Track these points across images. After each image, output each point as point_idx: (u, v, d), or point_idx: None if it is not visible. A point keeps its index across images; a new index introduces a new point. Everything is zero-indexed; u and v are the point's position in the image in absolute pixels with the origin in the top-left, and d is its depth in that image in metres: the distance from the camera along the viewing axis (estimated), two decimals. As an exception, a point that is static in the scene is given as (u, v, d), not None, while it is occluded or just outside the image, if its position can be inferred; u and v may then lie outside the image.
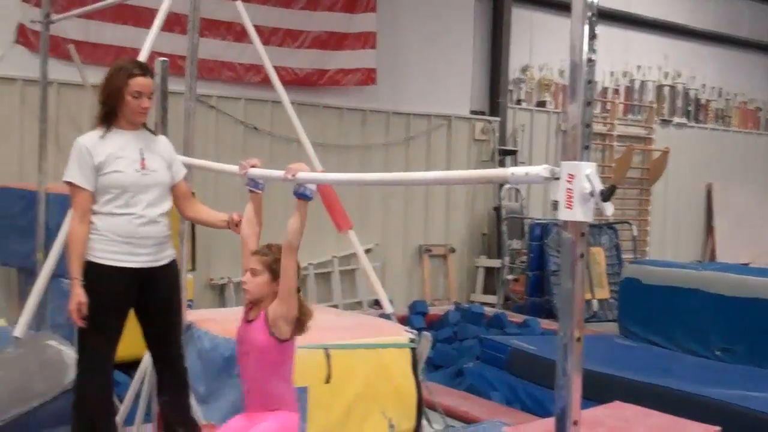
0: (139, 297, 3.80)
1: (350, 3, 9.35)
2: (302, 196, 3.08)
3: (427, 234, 10.43)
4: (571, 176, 1.97)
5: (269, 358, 3.16)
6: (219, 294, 8.69)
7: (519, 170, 2.14)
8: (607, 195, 1.95)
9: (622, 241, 10.78)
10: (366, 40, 9.45)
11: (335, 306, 9.08)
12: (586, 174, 1.95)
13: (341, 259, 9.45)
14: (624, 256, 10.60)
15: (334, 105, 9.49)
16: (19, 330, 4.48)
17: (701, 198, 13.79)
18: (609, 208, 1.98)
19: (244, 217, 3.41)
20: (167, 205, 3.86)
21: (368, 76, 9.54)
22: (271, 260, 3.15)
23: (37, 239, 6.48)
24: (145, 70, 3.79)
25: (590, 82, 2.00)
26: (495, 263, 10.70)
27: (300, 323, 3.18)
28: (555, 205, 2.01)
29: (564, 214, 1.99)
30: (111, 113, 3.76)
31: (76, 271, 3.63)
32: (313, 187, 3.11)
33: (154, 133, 3.98)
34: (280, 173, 3.17)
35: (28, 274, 6.80)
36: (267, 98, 8.49)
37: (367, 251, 9.18)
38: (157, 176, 3.77)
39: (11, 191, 7.09)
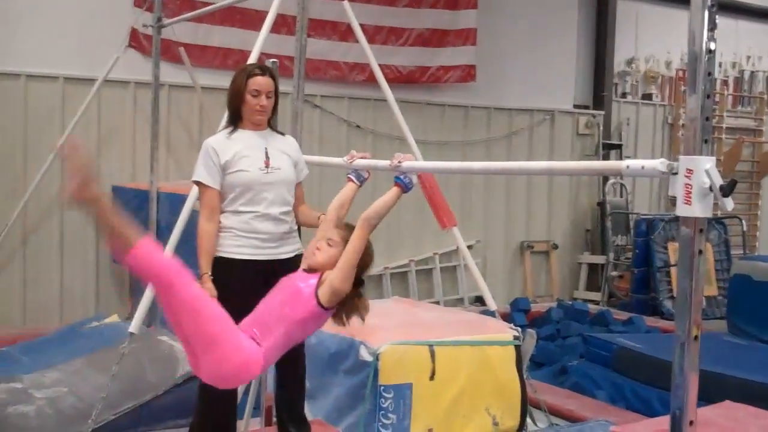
0: (266, 290, 3.91)
1: (453, 0, 9.35)
2: (401, 183, 3.07)
3: (529, 230, 10.34)
4: (690, 171, 1.93)
5: (295, 309, 2.93)
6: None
7: (635, 163, 2.10)
8: (727, 190, 1.91)
9: (731, 236, 10.45)
10: (467, 36, 9.43)
11: (436, 302, 9.10)
12: (706, 169, 1.91)
13: (442, 255, 9.46)
14: (733, 252, 10.28)
15: (436, 102, 9.50)
16: (133, 326, 4.65)
17: (814, 192, 13.25)
18: (729, 204, 1.93)
19: (336, 201, 3.35)
20: (290, 203, 3.95)
21: (468, 73, 9.52)
22: (349, 236, 3.01)
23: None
24: (265, 70, 3.92)
25: (710, 74, 1.95)
26: (599, 260, 10.53)
27: (346, 310, 3.00)
28: (673, 200, 1.97)
29: (682, 210, 1.95)
30: (236, 114, 3.90)
31: (205, 266, 3.76)
32: (414, 179, 3.12)
33: (282, 133, 4.07)
34: (385, 163, 3.20)
35: (141, 272, 7.05)
36: (370, 96, 8.57)
37: (469, 247, 9.16)
38: (281, 174, 3.86)
39: (124, 190, 7.37)
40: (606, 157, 10.77)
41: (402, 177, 3.09)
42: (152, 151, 6.90)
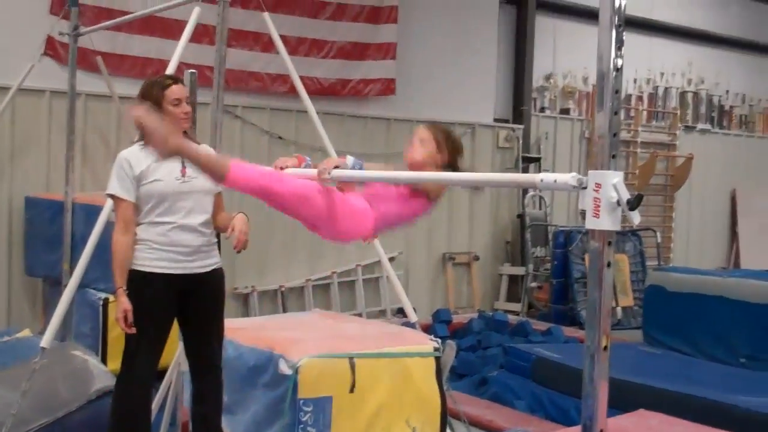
0: (182, 304, 3.86)
1: (374, 13, 9.39)
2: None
3: (451, 242, 10.43)
4: (598, 185, 1.98)
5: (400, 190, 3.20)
6: (243, 303, 8.74)
7: (548, 177, 2.15)
8: (634, 204, 1.96)
9: (646, 248, 10.73)
10: (387, 50, 9.49)
11: (359, 314, 9.10)
12: (613, 183, 1.96)
13: (365, 267, 9.47)
14: (648, 263, 10.55)
15: (357, 114, 9.53)
16: (45, 340, 4.53)
17: (725, 204, 13.70)
18: (636, 218, 1.99)
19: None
20: (209, 212, 3.91)
21: (388, 87, 9.58)
22: (438, 134, 3.32)
23: (63, 249, 6.56)
24: (176, 79, 3.89)
25: (617, 91, 2.01)
26: (519, 271, 10.69)
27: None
28: (583, 214, 2.02)
29: (591, 223, 2.00)
30: None
31: (120, 280, 3.71)
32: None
33: (198, 143, 4.02)
34: (313, 172, 3.11)
35: (54, 284, 6.89)
36: (292, 108, 8.54)
37: (391, 259, 9.20)
38: (197, 182, 3.81)
39: (39, 201, 7.18)
40: (525, 170, 10.97)
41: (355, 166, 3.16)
42: (67, 161, 6.75)
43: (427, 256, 10.25)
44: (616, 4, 2.03)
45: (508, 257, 10.97)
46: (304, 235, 9.22)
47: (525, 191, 10.82)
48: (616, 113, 1.99)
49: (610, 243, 2.03)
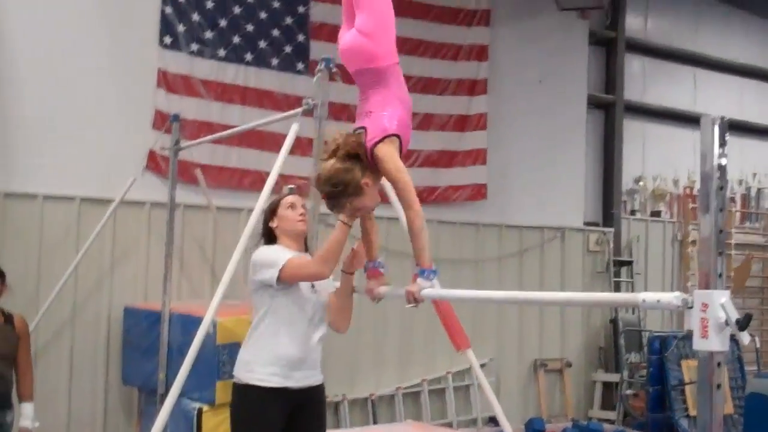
0: (291, 420, 3.87)
1: (462, 121, 9.55)
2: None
3: (542, 348, 10.25)
4: (705, 305, 1.95)
5: None
6: (333, 412, 8.62)
7: (650, 297, 2.12)
8: (743, 324, 1.92)
9: (744, 352, 10.34)
10: (477, 156, 9.59)
11: (449, 424, 8.95)
12: (721, 303, 1.93)
13: (455, 374, 9.35)
14: (747, 368, 10.14)
15: (447, 220, 9.56)
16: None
17: (826, 306, 13.17)
18: (746, 338, 1.94)
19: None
20: (325, 326, 3.97)
21: (479, 192, 9.64)
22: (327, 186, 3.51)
23: (159, 359, 6.66)
24: (291, 191, 4.11)
25: (722, 188, 1.98)
26: (613, 377, 10.40)
27: None
28: (691, 334, 1.98)
29: (700, 344, 1.96)
30: (271, 236, 3.98)
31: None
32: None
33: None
34: (401, 292, 3.34)
35: (150, 393, 6.96)
36: (383, 215, 8.61)
37: (482, 365, 9.07)
38: (323, 296, 3.91)
39: (137, 311, 7.34)
40: (617, 274, 10.80)
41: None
42: (166, 271, 6.92)
43: (518, 362, 10.08)
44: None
45: (601, 363, 10.71)
46: (394, 341, 9.25)
47: (617, 295, 10.63)
48: (720, 232, 1.97)
49: (719, 364, 1.99)
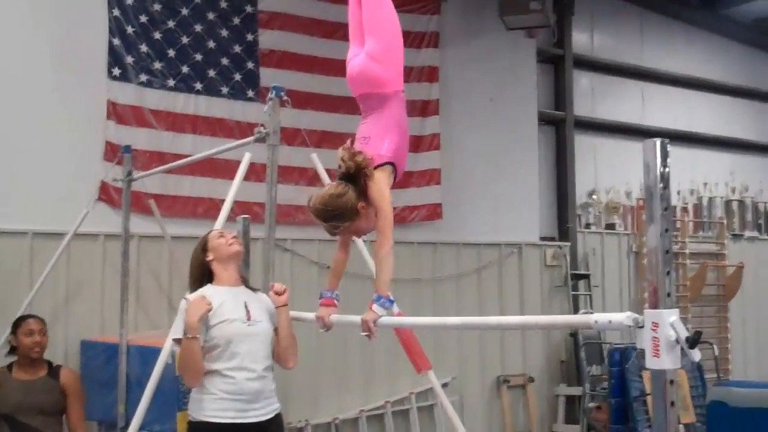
0: None
1: (416, 142, 9.58)
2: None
3: (505, 364, 10.29)
4: (656, 324, 1.98)
5: None
6: (297, 436, 8.63)
7: (602, 318, 2.16)
8: (693, 342, 1.96)
9: (704, 360, 10.46)
10: (431, 176, 9.64)
11: (415, 444, 8.94)
12: (671, 322, 1.96)
13: (418, 395, 9.34)
14: (707, 376, 10.27)
15: (404, 240, 9.57)
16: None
17: (782, 311, 13.41)
18: (696, 355, 1.98)
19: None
20: (271, 357, 3.96)
21: (434, 211, 9.69)
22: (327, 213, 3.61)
23: (118, 392, 6.59)
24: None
25: (666, 208, 2.02)
26: (576, 391, 10.46)
27: None
28: (642, 353, 2.01)
29: (652, 363, 1.99)
30: (205, 273, 3.97)
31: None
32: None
33: (254, 289, 4.13)
34: (357, 319, 3.36)
35: (109, 427, 6.90)
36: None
37: (445, 385, 9.09)
38: (262, 326, 3.88)
39: (94, 344, 7.27)
40: (575, 288, 10.89)
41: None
42: (122, 303, 6.87)
43: (481, 379, 10.10)
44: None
45: (563, 377, 10.77)
46: (356, 363, 9.22)
47: (577, 309, 10.73)
48: (667, 252, 2.00)
49: (672, 381, 2.02)
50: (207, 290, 3.90)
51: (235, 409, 3.75)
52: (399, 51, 3.84)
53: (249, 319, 3.85)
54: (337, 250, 3.93)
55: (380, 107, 3.72)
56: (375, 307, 3.41)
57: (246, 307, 3.88)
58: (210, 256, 3.96)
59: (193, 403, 3.82)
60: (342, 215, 3.53)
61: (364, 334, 3.40)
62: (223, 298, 3.85)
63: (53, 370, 5.44)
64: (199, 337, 3.70)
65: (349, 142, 3.68)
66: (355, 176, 3.54)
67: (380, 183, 3.59)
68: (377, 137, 3.66)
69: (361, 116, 3.82)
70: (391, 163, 3.64)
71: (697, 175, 12.71)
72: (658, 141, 2.01)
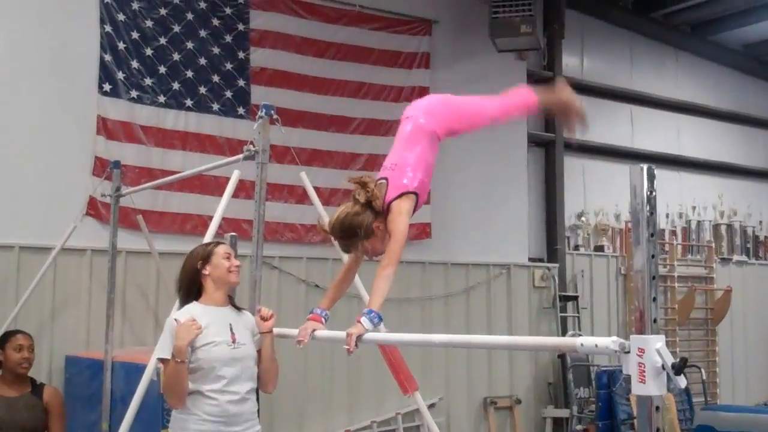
0: None
1: (405, 162, 9.60)
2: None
3: (492, 385, 10.26)
4: (642, 350, 1.97)
5: None
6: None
7: (588, 341, 2.15)
8: (679, 368, 1.95)
9: (691, 383, 10.46)
10: (421, 197, 9.63)
11: (401, 464, 8.89)
12: (657, 348, 1.96)
13: (405, 415, 9.30)
14: (695, 399, 10.27)
15: (393, 260, 9.56)
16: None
17: (770, 335, 13.44)
18: (682, 381, 1.97)
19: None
20: (254, 379, 3.93)
21: (423, 231, 9.68)
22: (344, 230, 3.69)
23: (102, 408, 6.55)
24: (219, 242, 4.04)
25: (653, 234, 2.02)
26: (563, 413, 10.43)
27: None
28: (628, 378, 2.00)
29: (637, 389, 1.98)
30: (193, 290, 3.92)
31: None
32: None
33: (239, 309, 4.10)
34: (342, 335, 3.36)
35: (95, 443, 6.83)
36: (327, 256, 8.62)
37: (432, 405, 9.06)
38: (246, 349, 3.86)
39: (79, 360, 7.22)
40: (563, 309, 10.89)
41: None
42: (108, 319, 6.82)
43: (468, 400, 10.06)
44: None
45: (551, 399, 10.75)
46: (342, 382, 9.19)
47: (565, 330, 10.72)
48: (653, 278, 2.00)
49: (658, 408, 2.01)
50: (194, 309, 3.87)
51: (217, 431, 3.72)
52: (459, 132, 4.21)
53: (234, 342, 3.81)
54: (342, 272, 3.95)
55: (418, 141, 3.89)
56: (363, 320, 3.39)
57: (231, 329, 3.85)
58: (208, 270, 3.93)
59: (175, 423, 3.79)
60: (358, 233, 3.59)
61: (345, 347, 3.37)
62: (209, 319, 3.82)
63: (37, 388, 5.39)
64: (187, 362, 3.68)
65: (365, 177, 3.77)
66: (372, 204, 3.65)
67: (404, 212, 3.66)
68: (404, 167, 3.78)
69: (394, 143, 3.97)
70: (416, 193, 3.69)
71: (685, 198, 12.76)
72: (645, 166, 2.02)
